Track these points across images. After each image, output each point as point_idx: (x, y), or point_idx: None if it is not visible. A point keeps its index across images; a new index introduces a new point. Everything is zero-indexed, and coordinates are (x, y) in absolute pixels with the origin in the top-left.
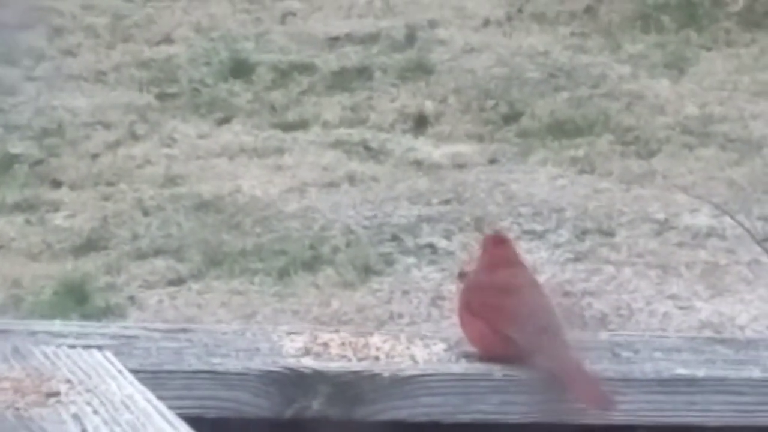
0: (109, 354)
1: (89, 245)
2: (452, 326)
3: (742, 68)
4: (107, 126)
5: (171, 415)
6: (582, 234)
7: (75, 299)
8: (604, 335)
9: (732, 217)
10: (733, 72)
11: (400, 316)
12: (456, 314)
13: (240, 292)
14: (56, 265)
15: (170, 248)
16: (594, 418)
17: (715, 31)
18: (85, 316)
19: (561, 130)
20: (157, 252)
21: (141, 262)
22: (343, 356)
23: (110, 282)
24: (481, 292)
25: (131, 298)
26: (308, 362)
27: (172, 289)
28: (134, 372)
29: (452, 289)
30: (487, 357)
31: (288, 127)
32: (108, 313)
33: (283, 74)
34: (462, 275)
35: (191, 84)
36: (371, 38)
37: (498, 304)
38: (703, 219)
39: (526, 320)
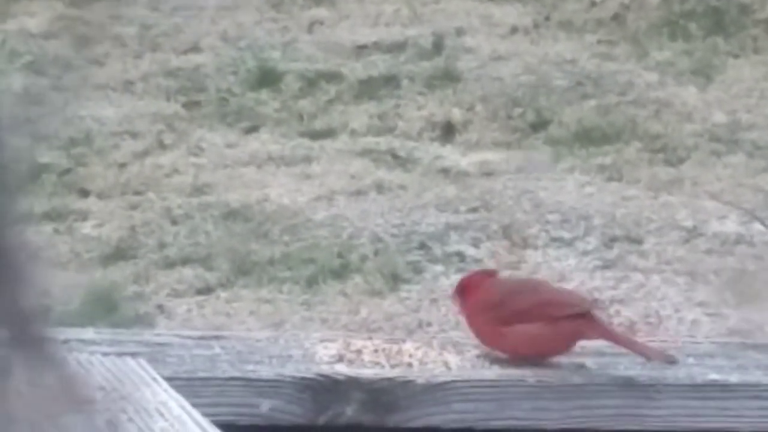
0: (142, 361)
1: (117, 254)
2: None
3: None
4: (135, 135)
5: (205, 422)
6: (610, 241)
7: (103, 308)
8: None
9: (763, 224)
10: (760, 79)
11: (429, 324)
12: (480, 339)
13: (268, 301)
14: (84, 274)
15: (198, 257)
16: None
17: (743, 38)
18: (114, 325)
19: (588, 137)
20: (186, 261)
21: (169, 271)
22: (377, 363)
23: (138, 291)
24: (502, 306)
25: (159, 307)
26: (341, 369)
27: (200, 297)
28: (168, 379)
29: None
30: (535, 357)
31: (316, 136)
32: (136, 322)
33: (311, 83)
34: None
35: (219, 93)
36: (398, 46)
37: (532, 300)
38: (732, 226)
39: (567, 298)
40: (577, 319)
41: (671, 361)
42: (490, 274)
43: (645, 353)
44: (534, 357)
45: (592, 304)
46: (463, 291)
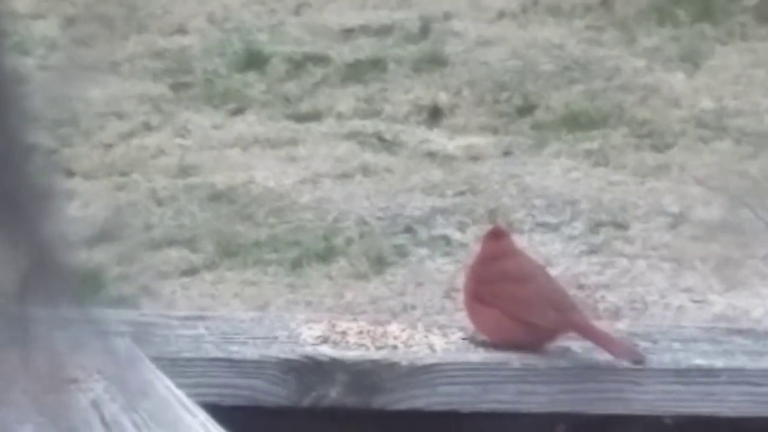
0: (127, 341)
1: (102, 235)
2: (466, 318)
3: (757, 62)
4: (121, 116)
5: (190, 402)
6: (596, 227)
7: (88, 289)
8: (622, 325)
9: (753, 211)
10: (748, 66)
11: (414, 307)
12: (464, 306)
13: (253, 283)
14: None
15: (183, 238)
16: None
17: (731, 24)
18: (99, 306)
19: (575, 122)
20: (171, 242)
21: (154, 252)
22: (361, 345)
23: (123, 272)
24: (490, 283)
25: (144, 288)
26: (326, 350)
27: (185, 279)
28: (153, 359)
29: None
30: (502, 345)
31: (302, 119)
32: (121, 303)
33: (297, 65)
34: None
35: (205, 75)
36: (385, 30)
37: (511, 293)
38: (718, 212)
39: (545, 304)
40: (542, 328)
41: (638, 360)
42: (505, 236)
43: (612, 350)
44: (497, 343)
45: (566, 319)
46: (488, 238)
